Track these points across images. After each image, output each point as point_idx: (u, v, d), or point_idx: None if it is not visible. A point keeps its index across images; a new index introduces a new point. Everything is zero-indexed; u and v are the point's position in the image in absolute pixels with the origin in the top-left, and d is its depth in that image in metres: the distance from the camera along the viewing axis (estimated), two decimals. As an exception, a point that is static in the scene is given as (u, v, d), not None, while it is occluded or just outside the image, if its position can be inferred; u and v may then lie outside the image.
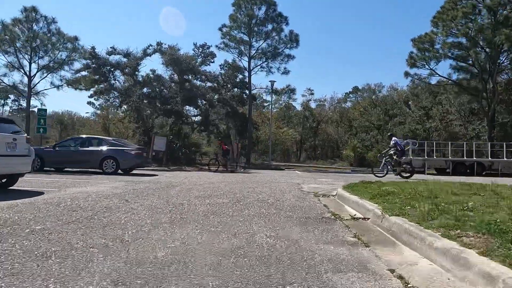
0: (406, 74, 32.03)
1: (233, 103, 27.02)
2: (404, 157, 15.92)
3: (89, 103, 40.24)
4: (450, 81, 31.46)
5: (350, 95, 58.72)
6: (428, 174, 21.95)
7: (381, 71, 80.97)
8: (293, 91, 26.56)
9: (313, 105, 48.77)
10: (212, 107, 24.68)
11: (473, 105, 35.99)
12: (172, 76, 23.40)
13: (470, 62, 29.37)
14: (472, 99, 32.32)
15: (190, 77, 24.20)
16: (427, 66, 30.60)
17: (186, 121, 25.23)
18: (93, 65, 21.94)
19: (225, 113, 26.34)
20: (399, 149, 15.20)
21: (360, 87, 49.82)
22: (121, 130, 31.18)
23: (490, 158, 22.55)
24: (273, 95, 26.31)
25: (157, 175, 14.72)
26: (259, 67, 26.44)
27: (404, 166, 15.16)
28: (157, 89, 22.10)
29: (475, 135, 36.81)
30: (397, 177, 14.67)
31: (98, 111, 38.83)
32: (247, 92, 27.20)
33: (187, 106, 27.06)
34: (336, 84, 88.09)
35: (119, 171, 14.40)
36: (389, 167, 14.94)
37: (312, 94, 45.41)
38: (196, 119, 27.43)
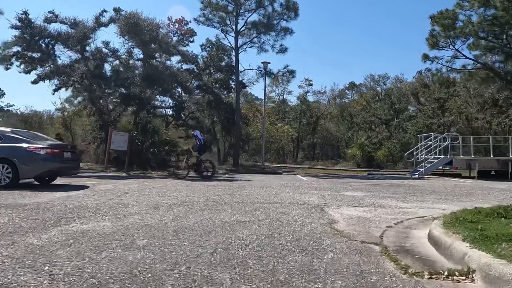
0: (425, 57, 26.61)
1: (216, 90, 21.43)
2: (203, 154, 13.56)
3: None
4: (478, 64, 26.30)
5: (347, 91, 53.55)
6: (464, 177, 16.66)
7: (384, 62, 75.87)
8: (292, 73, 20.98)
9: (311, 98, 43.39)
10: (188, 93, 19.10)
11: (500, 94, 30.96)
12: (131, 49, 17.81)
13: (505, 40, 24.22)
14: (504, 86, 27.25)
15: (158, 55, 18.50)
16: (451, 47, 25.34)
17: (154, 111, 19.56)
18: (25, 36, 16.20)
19: (206, 103, 20.73)
20: (198, 143, 13.17)
21: (363, 77, 44.33)
22: (85, 126, 25.32)
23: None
24: (267, 78, 20.85)
25: (87, 186, 9.14)
26: (248, 43, 20.85)
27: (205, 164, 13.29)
28: (111, 67, 16.55)
29: (501, 129, 31.71)
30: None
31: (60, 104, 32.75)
32: (234, 77, 21.59)
33: (160, 97, 21.46)
34: (336, 75, 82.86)
35: (34, 180, 8.79)
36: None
37: (311, 85, 39.99)
38: (171, 112, 21.72)
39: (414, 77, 46.89)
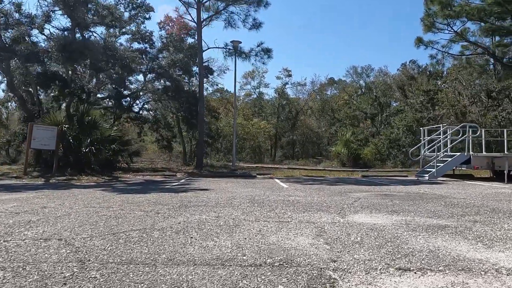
0: (419, 41, 23.63)
1: (176, 76, 17.37)
2: None
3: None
4: (479, 49, 23.30)
5: (327, 88, 50.25)
6: (483, 178, 13.27)
7: (367, 53, 73.17)
8: (268, 52, 17.09)
9: (290, 92, 39.75)
10: (130, 72, 14.94)
11: (494, 86, 28.11)
12: (50, 14, 13.45)
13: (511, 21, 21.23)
14: (506, 74, 24.42)
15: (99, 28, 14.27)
16: (449, 29, 22.17)
17: (94, 100, 15.28)
18: None
19: (161, 90, 16.66)
20: None
21: (346, 69, 41.16)
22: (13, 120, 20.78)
23: None
24: (239, 60, 16.96)
25: None
26: (214, 16, 16.81)
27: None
28: (25, 37, 12.20)
29: (497, 123, 28.94)
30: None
31: None
32: (197, 59, 17.53)
33: (111, 85, 17.22)
34: (317, 66, 79.78)
35: None
36: None
37: (290, 76, 36.28)
38: (116, 101, 17.42)
39: (398, 69, 44.09)
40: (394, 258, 3.15)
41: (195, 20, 16.99)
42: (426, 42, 23.46)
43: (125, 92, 18.83)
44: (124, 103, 17.40)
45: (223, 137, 28.91)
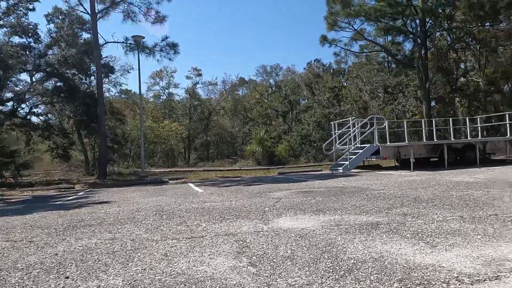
0: (324, 39, 24.25)
1: (67, 74, 15.24)
2: None
3: None
4: (376, 47, 24.87)
5: (238, 87, 50.38)
6: (391, 168, 13.96)
7: (275, 52, 75.01)
8: (174, 47, 15.85)
9: (201, 92, 38.69)
10: (6, 70, 12.53)
11: (390, 81, 30.53)
12: None
13: (402, 22, 22.98)
14: (399, 71, 26.52)
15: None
16: (351, 27, 23.25)
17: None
18: None
19: (52, 91, 14.45)
20: None
21: (255, 68, 41.47)
22: None
23: (482, 138, 15.74)
24: (142, 55, 15.39)
25: None
26: (111, 8, 15.11)
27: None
28: None
29: (395, 116, 31.50)
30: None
31: None
32: (94, 55, 15.60)
33: None
34: (227, 66, 79.44)
35: None
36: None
37: (200, 75, 35.14)
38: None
39: (304, 68, 45.89)
40: (337, 277, 2.48)
41: (89, 12, 15.09)
42: (330, 40, 24.23)
43: (8, 95, 16.11)
44: (4, 107, 14.74)
45: (131, 141, 26.76)
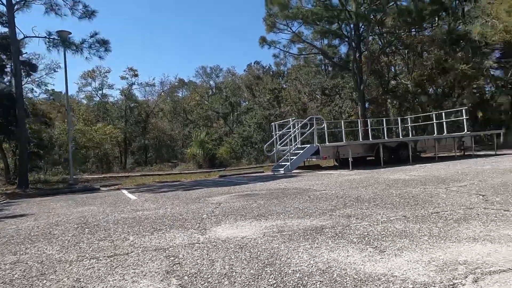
0: (263, 40, 24.31)
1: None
2: None
3: None
4: (314, 50, 25.43)
5: (177, 89, 49.14)
6: (331, 167, 14.18)
7: (215, 53, 74.11)
8: (104, 44, 14.70)
9: (138, 93, 36.99)
10: None
11: (327, 84, 31.46)
12: None
13: (337, 25, 23.70)
14: (336, 73, 27.38)
15: None
16: (289, 30, 23.51)
17: None
18: None
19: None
20: None
21: (195, 70, 40.67)
22: None
23: (414, 137, 16.54)
24: (69, 52, 14.05)
25: None
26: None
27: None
28: None
29: (332, 117, 32.51)
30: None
31: None
32: (11, 50, 13.98)
33: None
34: (165, 67, 76.96)
35: None
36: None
37: (136, 75, 33.49)
38: None
39: (245, 70, 45.93)
40: (282, 297, 2.13)
41: (4, 2, 13.50)
42: (269, 41, 24.31)
43: None
44: None
45: (59, 146, 24.68)
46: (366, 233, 3.47)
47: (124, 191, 10.82)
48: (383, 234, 3.40)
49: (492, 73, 24.69)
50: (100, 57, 14.63)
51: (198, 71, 42.93)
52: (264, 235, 3.72)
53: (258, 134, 30.41)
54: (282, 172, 12.78)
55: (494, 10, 18.64)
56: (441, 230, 3.39)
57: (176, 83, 43.09)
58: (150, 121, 35.80)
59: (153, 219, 5.19)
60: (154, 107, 36.09)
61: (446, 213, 4.14)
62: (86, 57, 14.29)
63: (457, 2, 23.73)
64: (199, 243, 3.57)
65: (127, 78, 33.94)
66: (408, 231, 3.43)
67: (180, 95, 47.00)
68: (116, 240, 4.01)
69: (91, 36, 14.43)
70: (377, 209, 4.71)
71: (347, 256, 2.82)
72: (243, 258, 2.97)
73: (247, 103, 37.82)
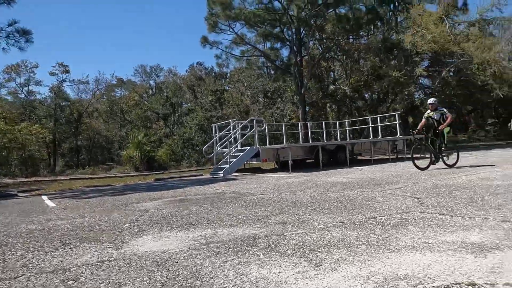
0: (205, 40, 23.75)
1: None
2: None
3: None
4: (256, 52, 25.30)
5: (115, 88, 46.72)
6: (271, 170, 14.04)
7: (155, 52, 71.67)
8: (26, 34, 13.16)
9: (70, 91, 34.44)
10: None
11: (269, 87, 31.61)
12: None
13: (280, 29, 23.81)
14: (278, 76, 27.49)
15: None
16: (231, 30, 23.20)
17: None
18: None
19: None
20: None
21: (134, 68, 38.94)
22: None
23: (351, 140, 16.86)
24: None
25: None
26: None
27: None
28: None
29: (274, 119, 32.72)
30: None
31: None
32: None
33: None
34: (101, 64, 72.98)
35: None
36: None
37: (67, 72, 31.06)
38: None
39: (187, 70, 44.85)
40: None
41: None
42: (211, 42, 23.80)
43: None
44: None
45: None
46: (301, 243, 3.15)
47: (44, 197, 9.70)
48: (319, 244, 3.10)
49: (421, 81, 26.35)
50: (20, 48, 13.15)
51: (137, 69, 41.13)
52: (189, 248, 3.26)
53: (199, 136, 29.72)
54: (221, 175, 12.34)
55: (423, 21, 19.81)
56: (379, 237, 3.17)
57: (114, 82, 40.88)
58: (84, 121, 33.49)
59: (65, 231, 4.49)
60: (88, 106, 33.79)
61: (383, 218, 3.97)
62: (4, 48, 12.74)
63: (391, 13, 25.00)
64: (110, 261, 3.02)
65: (57, 74, 31.40)
66: (345, 240, 3.17)
67: (118, 95, 44.72)
68: (8, 259, 3.31)
69: (10, 25, 12.92)
70: (314, 214, 4.45)
71: (279, 272, 2.46)
72: (157, 279, 2.49)
73: (189, 104, 36.86)
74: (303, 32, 23.60)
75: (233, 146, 13.54)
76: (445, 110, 9.54)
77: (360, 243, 3.04)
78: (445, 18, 20.68)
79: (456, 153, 9.75)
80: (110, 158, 35.50)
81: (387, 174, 9.06)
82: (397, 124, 16.34)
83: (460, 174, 7.85)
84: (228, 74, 41.30)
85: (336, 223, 3.86)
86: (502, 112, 34.89)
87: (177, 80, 40.10)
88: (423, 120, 9.80)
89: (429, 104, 9.69)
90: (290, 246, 3.08)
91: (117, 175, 22.23)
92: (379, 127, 16.55)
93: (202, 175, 14.96)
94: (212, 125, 15.93)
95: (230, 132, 13.98)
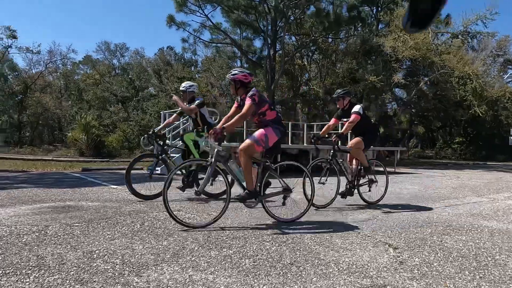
0: (171, 19, 21.54)
1: None
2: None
3: None
4: (227, 39, 23.23)
5: (81, 65, 43.26)
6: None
7: (121, 30, 67.83)
8: None
9: (20, 60, 31.02)
10: None
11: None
12: None
13: (255, 17, 21.90)
14: (249, 68, 25.58)
15: None
16: (200, 12, 21.06)
17: None
18: None
19: None
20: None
21: (96, 44, 36.05)
22: None
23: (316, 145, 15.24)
24: None
25: None
26: None
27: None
28: None
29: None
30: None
31: None
32: None
33: None
34: (58, 35, 68.24)
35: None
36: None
37: (15, 38, 27.63)
38: None
39: (156, 54, 42.10)
40: None
41: None
42: (178, 22, 21.60)
43: None
44: None
45: None
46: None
47: None
48: None
49: (396, 92, 25.30)
50: None
51: (100, 46, 37.95)
52: None
53: (158, 124, 27.33)
54: (159, 171, 10.28)
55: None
56: None
57: (71, 56, 37.57)
58: (32, 95, 30.26)
59: None
60: (37, 79, 30.51)
61: None
62: None
63: (373, 16, 23.68)
64: None
65: (2, 38, 27.92)
66: None
67: (80, 71, 41.34)
68: None
69: None
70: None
71: None
72: None
73: (151, 89, 34.32)
74: (280, 24, 21.82)
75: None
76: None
77: None
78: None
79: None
80: (62, 138, 32.41)
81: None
82: (369, 133, 14.84)
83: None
84: (200, 64, 39.05)
85: None
86: (470, 132, 34.64)
87: (143, 62, 37.37)
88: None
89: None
90: None
91: (54, 158, 19.60)
92: (348, 134, 14.99)
93: (142, 168, 12.83)
94: (161, 112, 13.84)
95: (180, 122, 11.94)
